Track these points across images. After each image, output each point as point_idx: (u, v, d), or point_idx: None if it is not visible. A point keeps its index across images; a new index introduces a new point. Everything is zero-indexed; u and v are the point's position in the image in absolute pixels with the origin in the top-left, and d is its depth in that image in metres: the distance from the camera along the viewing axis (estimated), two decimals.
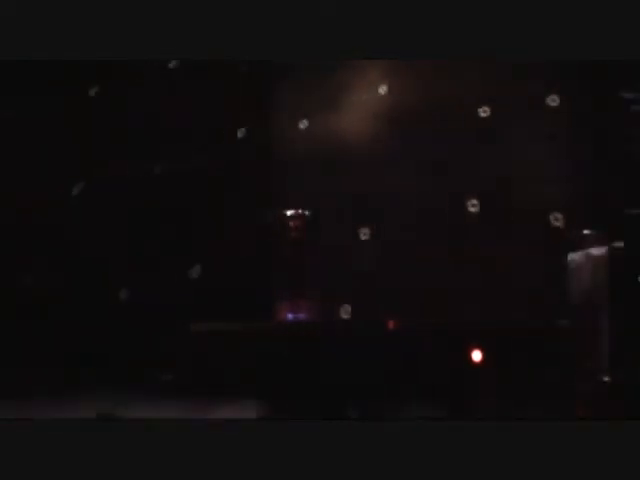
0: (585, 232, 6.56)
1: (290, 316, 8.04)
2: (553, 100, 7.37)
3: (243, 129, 8.60)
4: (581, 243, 6.50)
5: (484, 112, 7.77)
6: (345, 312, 7.91)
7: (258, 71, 8.55)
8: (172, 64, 8.61)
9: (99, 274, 8.58)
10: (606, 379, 6.00)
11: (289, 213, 8.29)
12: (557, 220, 7.41)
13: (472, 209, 7.61)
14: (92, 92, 8.56)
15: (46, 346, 8.12)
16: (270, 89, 8.73)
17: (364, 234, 7.96)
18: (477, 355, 6.61)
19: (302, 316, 8.02)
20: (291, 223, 8.28)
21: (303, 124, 8.38)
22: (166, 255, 8.54)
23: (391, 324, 7.33)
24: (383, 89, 8.19)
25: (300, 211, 8.29)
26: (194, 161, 8.78)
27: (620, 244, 6.34)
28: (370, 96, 8.30)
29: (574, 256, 6.50)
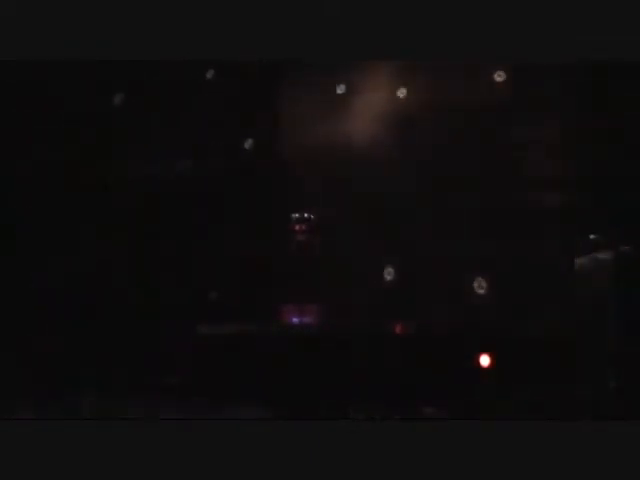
0: (592, 236, 6.52)
1: (295, 320, 8.02)
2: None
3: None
4: (588, 247, 6.46)
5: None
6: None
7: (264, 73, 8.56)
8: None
9: (103, 275, 8.61)
10: (613, 384, 5.96)
11: (295, 216, 8.30)
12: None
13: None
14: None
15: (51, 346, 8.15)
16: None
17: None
18: (485, 360, 6.59)
19: (307, 319, 8.01)
20: (297, 227, 8.27)
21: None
22: (169, 257, 8.56)
23: (398, 328, 7.33)
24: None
25: (306, 215, 8.28)
26: (198, 164, 8.81)
27: (627, 248, 6.29)
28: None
29: (580, 260, 6.45)
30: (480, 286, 7.39)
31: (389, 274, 7.82)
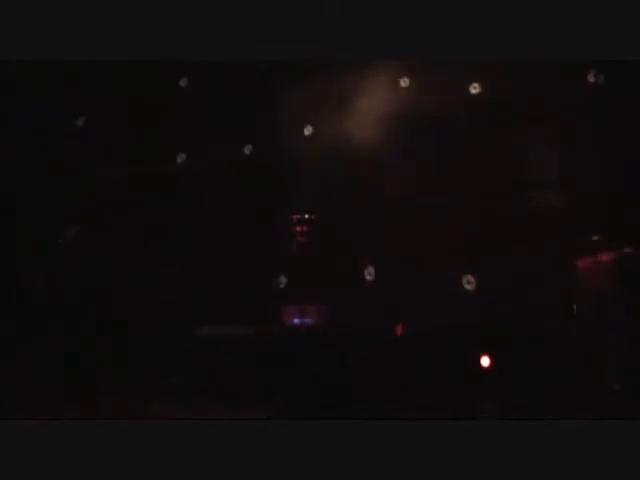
0: (594, 238, 6.51)
1: (296, 321, 8.01)
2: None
3: None
4: (590, 249, 6.46)
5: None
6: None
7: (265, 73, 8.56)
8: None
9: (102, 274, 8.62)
10: (616, 387, 5.95)
11: (296, 217, 8.29)
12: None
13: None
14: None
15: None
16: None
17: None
18: (485, 360, 6.59)
19: (309, 321, 8.00)
20: (298, 227, 8.28)
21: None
22: (171, 257, 8.56)
23: (398, 329, 7.33)
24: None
25: (307, 215, 8.29)
26: (199, 162, 8.82)
27: (629, 250, 6.29)
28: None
29: (582, 262, 6.46)
30: None
31: None
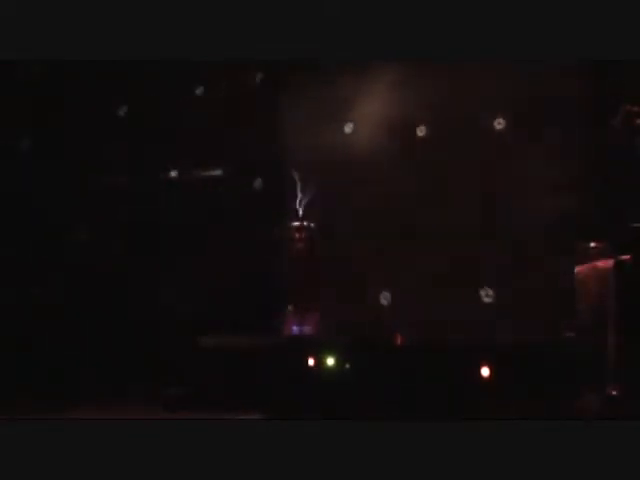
0: (592, 245, 6.51)
1: (295, 329, 8.00)
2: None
3: None
4: (588, 256, 6.45)
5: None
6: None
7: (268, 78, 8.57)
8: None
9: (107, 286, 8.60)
10: (614, 393, 5.93)
11: (294, 225, 8.30)
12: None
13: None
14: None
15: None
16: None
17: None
18: (485, 371, 6.57)
19: (308, 329, 7.99)
20: (296, 235, 8.27)
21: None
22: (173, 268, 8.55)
23: (398, 339, 7.32)
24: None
25: (305, 223, 8.29)
26: (199, 172, 8.82)
27: (627, 257, 6.28)
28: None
29: (580, 269, 6.45)
30: None
31: None
